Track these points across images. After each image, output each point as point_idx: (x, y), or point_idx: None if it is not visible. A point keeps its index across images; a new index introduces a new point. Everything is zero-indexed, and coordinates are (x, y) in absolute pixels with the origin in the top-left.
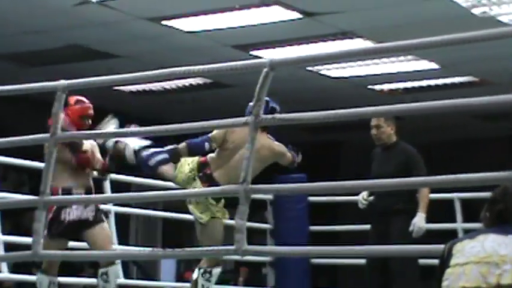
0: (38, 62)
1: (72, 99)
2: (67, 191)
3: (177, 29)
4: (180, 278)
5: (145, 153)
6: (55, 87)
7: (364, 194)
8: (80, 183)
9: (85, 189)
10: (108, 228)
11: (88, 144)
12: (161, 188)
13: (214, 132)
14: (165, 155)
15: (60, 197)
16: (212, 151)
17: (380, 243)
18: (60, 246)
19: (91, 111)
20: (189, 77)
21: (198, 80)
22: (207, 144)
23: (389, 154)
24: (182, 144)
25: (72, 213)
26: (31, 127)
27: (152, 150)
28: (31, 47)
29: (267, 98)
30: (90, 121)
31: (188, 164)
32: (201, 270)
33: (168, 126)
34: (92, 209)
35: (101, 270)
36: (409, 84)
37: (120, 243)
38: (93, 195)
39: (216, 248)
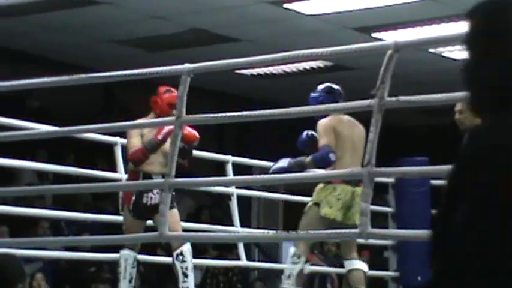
0: (161, 46)
1: (162, 88)
2: (147, 175)
3: (298, 12)
4: None
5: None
6: (180, 71)
7: None
8: (157, 167)
9: (161, 174)
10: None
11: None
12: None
13: (326, 139)
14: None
15: (184, 179)
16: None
17: None
18: (142, 227)
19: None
20: (311, 60)
21: (319, 63)
22: (332, 155)
23: None
24: (308, 158)
25: (154, 198)
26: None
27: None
28: (154, 32)
29: (327, 84)
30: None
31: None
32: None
33: (290, 109)
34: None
35: (175, 252)
36: None
37: (242, 226)
38: (216, 178)
39: (339, 231)
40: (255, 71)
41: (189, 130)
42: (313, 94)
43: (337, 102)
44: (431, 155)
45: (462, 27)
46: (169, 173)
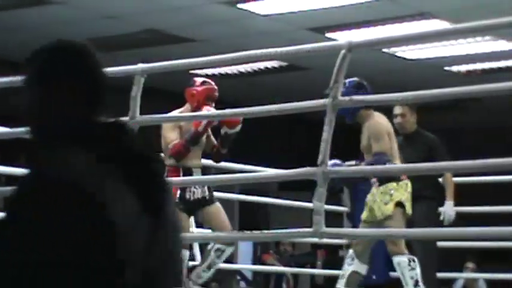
0: (115, 46)
1: (198, 79)
2: (187, 169)
3: (252, 12)
4: (257, 260)
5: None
6: (134, 71)
7: None
8: (195, 161)
9: (199, 167)
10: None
11: None
12: (237, 171)
13: (381, 145)
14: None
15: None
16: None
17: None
18: (188, 223)
19: (216, 93)
20: (265, 60)
21: (274, 63)
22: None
23: (411, 142)
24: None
25: (196, 193)
26: (111, 111)
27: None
28: (108, 32)
29: (356, 79)
30: (213, 104)
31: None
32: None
33: (246, 109)
34: (207, 188)
35: (218, 246)
36: (486, 65)
37: (197, 226)
38: (179, 178)
39: (293, 230)
40: (210, 71)
41: None
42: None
43: None
44: None
45: (415, 27)
46: None
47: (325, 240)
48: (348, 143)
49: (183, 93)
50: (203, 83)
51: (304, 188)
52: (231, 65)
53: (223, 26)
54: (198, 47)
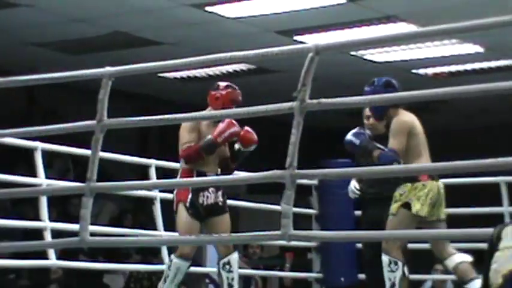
0: (84, 49)
1: (222, 83)
2: (202, 174)
3: (220, 15)
4: None
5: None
6: (101, 74)
7: (356, 183)
8: (211, 167)
9: (215, 174)
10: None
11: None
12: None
13: (397, 142)
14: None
15: (106, 183)
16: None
17: (374, 229)
18: (198, 229)
19: (240, 98)
20: (233, 63)
21: (242, 66)
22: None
23: (380, 144)
24: (376, 154)
25: (210, 198)
26: (79, 114)
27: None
28: (76, 35)
29: (385, 78)
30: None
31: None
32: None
33: (214, 112)
34: (221, 194)
35: (222, 261)
36: (453, 68)
37: (166, 230)
38: (138, 182)
39: (261, 233)
40: (178, 74)
41: (249, 132)
42: (367, 88)
43: None
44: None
45: (383, 30)
46: (90, 177)
47: (294, 243)
48: (312, 145)
49: (150, 95)
50: (227, 86)
51: (272, 191)
52: (199, 68)
53: (191, 28)
54: (166, 50)
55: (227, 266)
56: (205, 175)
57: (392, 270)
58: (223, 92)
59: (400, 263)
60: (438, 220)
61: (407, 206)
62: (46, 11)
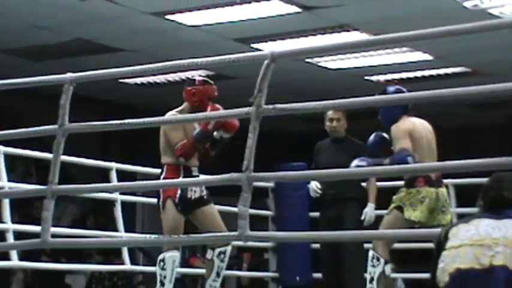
0: (46, 56)
1: (199, 78)
2: (188, 169)
3: (180, 23)
4: (185, 264)
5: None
6: (63, 80)
7: (317, 183)
8: (194, 161)
9: (197, 167)
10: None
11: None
12: None
13: (403, 142)
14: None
15: (67, 186)
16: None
17: (333, 229)
18: (183, 224)
19: (216, 93)
20: (192, 70)
21: (201, 72)
22: (410, 159)
23: (340, 146)
24: (386, 161)
25: (196, 192)
26: (41, 119)
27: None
28: (39, 42)
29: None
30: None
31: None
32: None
33: (173, 117)
34: (204, 187)
35: (218, 250)
36: (404, 75)
37: (127, 231)
38: (100, 184)
39: (218, 234)
40: (139, 80)
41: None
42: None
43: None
44: (310, 161)
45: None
46: (52, 179)
47: (251, 244)
48: (268, 149)
49: (111, 100)
50: (204, 82)
51: (230, 193)
52: (159, 74)
53: (151, 36)
54: (127, 57)
55: (222, 256)
56: (190, 169)
57: (374, 265)
58: (200, 88)
59: (382, 260)
60: (439, 225)
61: (400, 209)
62: (10, 18)
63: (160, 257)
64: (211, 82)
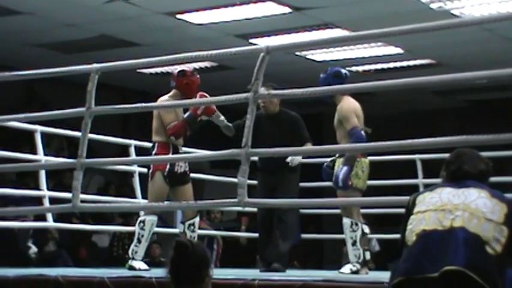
0: (74, 50)
1: (188, 70)
2: (175, 147)
3: (188, 21)
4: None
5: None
6: (89, 69)
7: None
8: (180, 141)
9: (181, 146)
10: None
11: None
12: None
13: (353, 121)
14: (347, 168)
15: (94, 160)
16: None
17: (270, 196)
18: (166, 194)
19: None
20: (199, 61)
21: (206, 64)
22: (363, 133)
23: (274, 121)
24: (347, 154)
25: (182, 167)
26: (71, 103)
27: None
28: (68, 38)
29: (337, 68)
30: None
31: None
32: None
33: (181, 102)
34: (187, 164)
35: (188, 222)
36: (379, 66)
37: (143, 198)
38: (121, 158)
39: (220, 200)
40: (153, 70)
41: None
42: (322, 75)
43: (342, 84)
44: None
45: (322, 34)
46: (80, 154)
47: (248, 209)
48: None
49: (129, 88)
50: (193, 73)
51: (231, 166)
52: (170, 65)
53: (164, 33)
54: (142, 50)
55: (192, 227)
56: (177, 147)
57: (354, 230)
58: (193, 79)
59: (360, 224)
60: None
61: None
62: (43, 18)
63: (141, 218)
64: (195, 73)
